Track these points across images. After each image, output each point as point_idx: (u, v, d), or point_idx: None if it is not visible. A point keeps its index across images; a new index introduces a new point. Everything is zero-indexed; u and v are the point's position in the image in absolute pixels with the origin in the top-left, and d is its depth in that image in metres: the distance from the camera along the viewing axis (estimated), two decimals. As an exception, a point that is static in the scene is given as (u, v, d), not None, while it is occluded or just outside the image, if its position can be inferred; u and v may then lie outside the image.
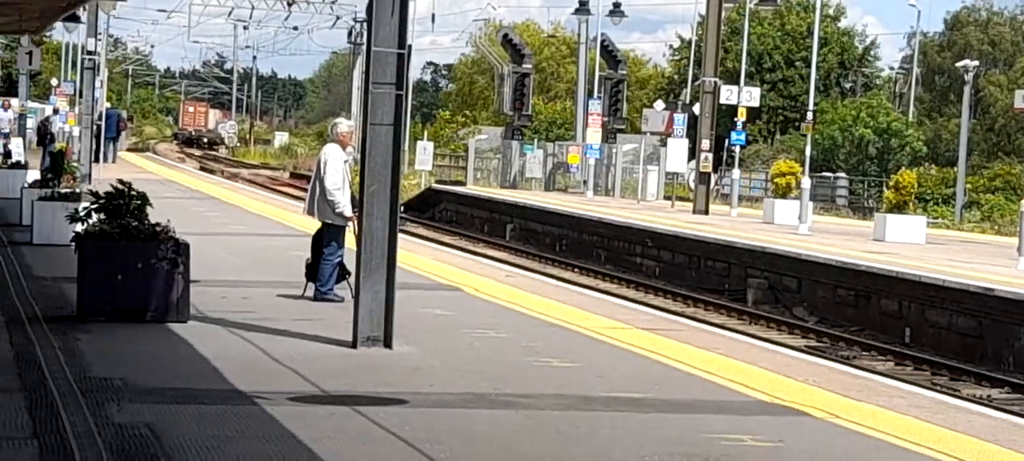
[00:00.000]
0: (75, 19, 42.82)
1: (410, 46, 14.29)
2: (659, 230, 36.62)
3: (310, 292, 17.79)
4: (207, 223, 29.81)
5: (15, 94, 56.16)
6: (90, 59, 42.26)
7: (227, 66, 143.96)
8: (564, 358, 14.40)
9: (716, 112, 46.21)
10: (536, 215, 44.98)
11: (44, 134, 52.58)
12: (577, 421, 11.30)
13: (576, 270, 36.28)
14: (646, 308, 21.98)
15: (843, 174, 69.54)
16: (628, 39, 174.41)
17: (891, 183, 40.15)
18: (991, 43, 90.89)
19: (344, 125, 18.28)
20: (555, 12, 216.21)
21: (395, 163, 14.06)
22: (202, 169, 71.06)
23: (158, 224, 15.70)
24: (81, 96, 45.48)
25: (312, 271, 17.87)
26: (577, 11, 66.78)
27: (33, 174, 30.97)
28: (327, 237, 17.71)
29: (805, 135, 43.53)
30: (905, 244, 34.03)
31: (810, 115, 42.84)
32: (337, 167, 17.56)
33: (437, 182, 60.86)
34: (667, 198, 52.87)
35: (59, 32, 59.75)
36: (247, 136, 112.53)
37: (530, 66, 66.90)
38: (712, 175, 48.73)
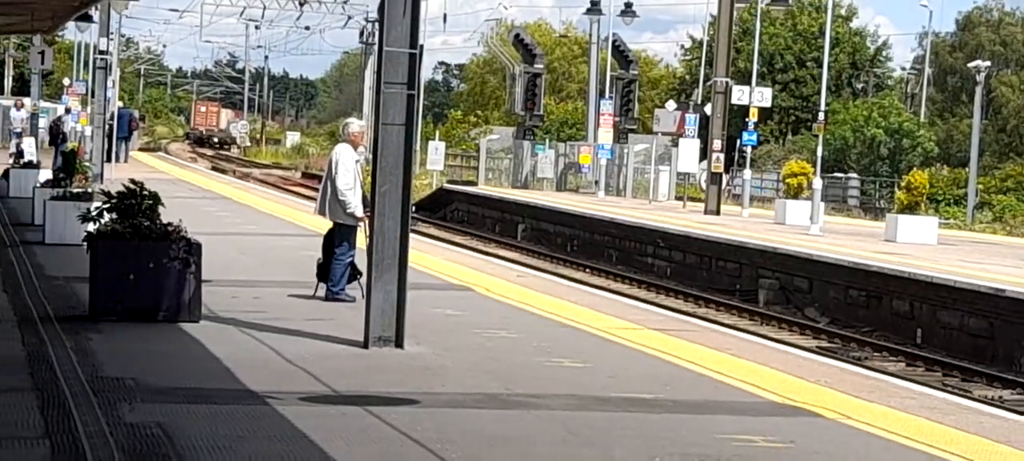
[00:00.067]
0: (87, 19, 42.86)
1: (422, 46, 14.29)
2: (670, 230, 36.60)
3: (322, 292, 17.81)
4: (219, 223, 29.82)
5: (27, 93, 56.20)
6: (102, 59, 42.31)
7: (239, 66, 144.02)
8: (575, 358, 14.40)
9: (728, 112, 46.20)
10: (548, 215, 44.96)
11: (56, 134, 52.62)
12: (588, 422, 11.30)
13: (587, 270, 36.27)
14: (657, 309, 21.96)
15: (855, 175, 69.47)
16: (640, 39, 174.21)
17: (903, 184, 40.12)
18: (1003, 43, 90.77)
19: (356, 125, 18.30)
20: (567, 12, 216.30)
21: (407, 163, 14.07)
22: (214, 169, 71.08)
23: (170, 224, 15.72)
24: (93, 96, 45.54)
25: (324, 271, 17.88)
26: (589, 11, 66.84)
27: (45, 174, 30.99)
28: (339, 237, 17.73)
29: (817, 135, 43.46)
30: (917, 245, 33.99)
31: (822, 115, 42.80)
32: (348, 167, 17.57)
33: (449, 182, 60.83)
34: (678, 198, 52.83)
35: (71, 32, 59.73)
36: (259, 136, 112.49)
37: (542, 66, 66.83)
38: (724, 175, 48.70)
